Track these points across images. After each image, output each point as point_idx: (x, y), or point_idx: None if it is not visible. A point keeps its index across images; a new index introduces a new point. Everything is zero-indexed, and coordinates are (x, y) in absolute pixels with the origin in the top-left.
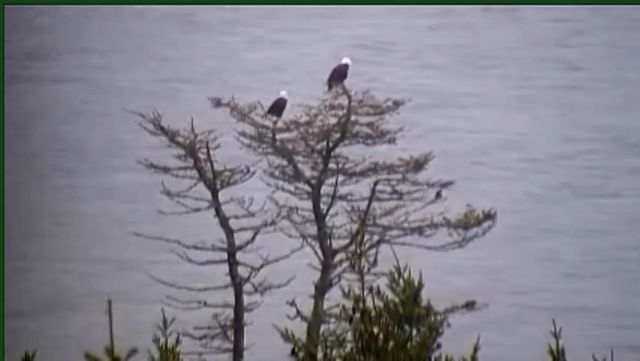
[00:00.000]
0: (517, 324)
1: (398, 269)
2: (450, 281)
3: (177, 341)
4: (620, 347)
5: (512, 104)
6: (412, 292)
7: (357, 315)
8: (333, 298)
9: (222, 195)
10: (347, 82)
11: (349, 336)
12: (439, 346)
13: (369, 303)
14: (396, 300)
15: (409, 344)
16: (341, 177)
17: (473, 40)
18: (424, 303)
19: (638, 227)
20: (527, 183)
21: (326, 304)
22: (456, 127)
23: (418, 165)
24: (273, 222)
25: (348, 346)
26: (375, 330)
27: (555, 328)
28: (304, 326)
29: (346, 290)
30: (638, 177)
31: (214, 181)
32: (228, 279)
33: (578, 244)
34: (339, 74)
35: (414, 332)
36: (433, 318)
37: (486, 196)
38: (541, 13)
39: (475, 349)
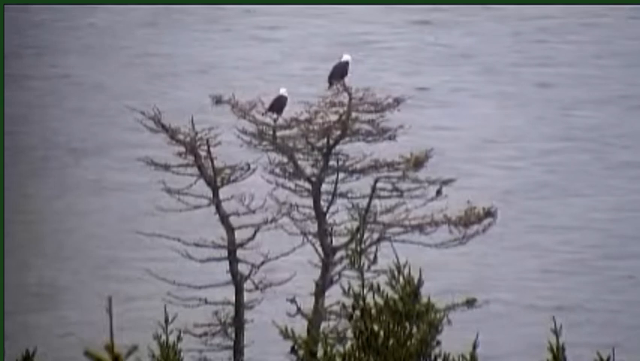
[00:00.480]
0: (510, 321)
1: (398, 266)
2: (443, 277)
3: (178, 338)
4: (610, 345)
5: (498, 101)
6: (411, 290)
7: (358, 312)
8: (334, 295)
9: (223, 193)
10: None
11: (350, 333)
12: (438, 343)
13: (369, 300)
14: (396, 297)
15: (409, 342)
16: (341, 175)
17: (464, 38)
18: (423, 300)
19: (628, 223)
20: (515, 180)
21: (326, 302)
22: (442, 125)
23: (419, 162)
24: (273, 220)
25: (349, 343)
26: (376, 327)
27: (555, 325)
28: (305, 323)
29: (346, 288)
30: (624, 173)
31: (214, 178)
32: (229, 276)
33: (571, 242)
34: (339, 72)
35: (414, 329)
36: (432, 315)
37: (476, 193)
38: (529, 11)
39: (474, 346)
